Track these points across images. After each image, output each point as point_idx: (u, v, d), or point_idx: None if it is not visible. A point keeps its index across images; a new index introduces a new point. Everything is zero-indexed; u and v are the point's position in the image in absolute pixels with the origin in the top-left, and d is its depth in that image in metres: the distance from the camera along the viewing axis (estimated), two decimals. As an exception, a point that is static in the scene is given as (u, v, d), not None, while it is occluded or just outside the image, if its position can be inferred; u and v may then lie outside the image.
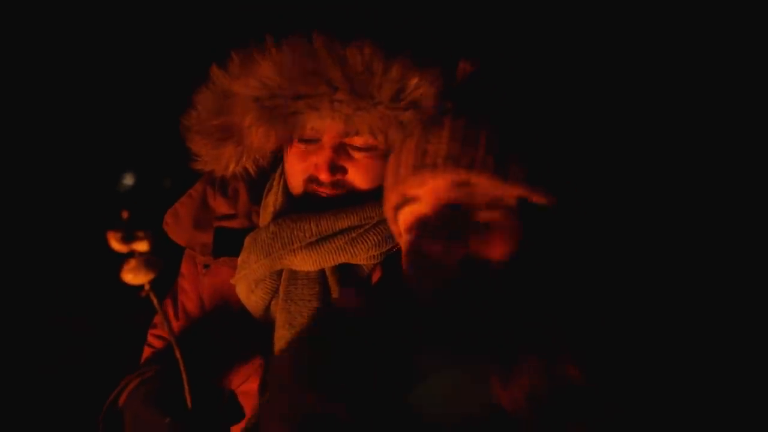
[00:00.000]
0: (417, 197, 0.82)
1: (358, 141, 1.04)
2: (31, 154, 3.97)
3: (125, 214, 0.77)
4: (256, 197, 1.19)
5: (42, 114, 3.93)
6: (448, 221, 0.79)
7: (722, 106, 1.31)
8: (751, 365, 0.70)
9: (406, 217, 0.86)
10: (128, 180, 4.31)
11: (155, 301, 0.80)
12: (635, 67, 1.31)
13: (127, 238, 0.76)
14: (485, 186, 0.77)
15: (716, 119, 1.28)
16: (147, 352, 1.24)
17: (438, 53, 0.97)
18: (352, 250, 1.06)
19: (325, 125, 1.00)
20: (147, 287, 0.79)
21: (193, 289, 1.23)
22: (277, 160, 1.18)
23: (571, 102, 0.85)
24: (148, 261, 0.78)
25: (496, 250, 0.77)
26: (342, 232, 1.05)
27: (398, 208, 0.86)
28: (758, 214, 0.95)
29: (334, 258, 1.06)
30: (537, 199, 0.76)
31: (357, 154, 1.05)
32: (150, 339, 1.25)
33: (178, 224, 1.20)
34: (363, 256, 1.07)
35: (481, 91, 0.84)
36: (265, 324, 1.12)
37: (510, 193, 0.76)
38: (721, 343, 0.71)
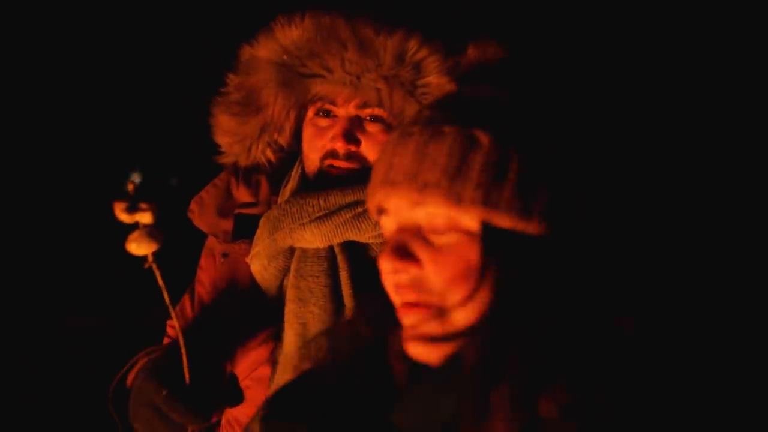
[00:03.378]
0: (386, 210, 0.79)
1: (370, 114, 1.12)
2: (41, 155, 4.00)
3: (131, 186, 0.80)
4: (277, 190, 1.23)
5: (50, 115, 3.97)
6: (405, 240, 0.75)
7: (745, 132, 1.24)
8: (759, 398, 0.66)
9: (381, 225, 0.84)
10: (135, 179, 4.34)
11: (158, 273, 0.82)
12: (644, 92, 1.26)
13: (132, 209, 0.78)
14: (439, 208, 0.73)
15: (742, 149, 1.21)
16: (165, 342, 1.26)
17: (448, 36, 1.07)
18: (357, 225, 1.09)
19: (337, 91, 1.10)
20: (150, 258, 0.81)
21: (210, 281, 1.25)
22: (294, 158, 1.23)
23: (555, 122, 0.79)
24: (151, 232, 0.80)
25: (446, 274, 0.73)
26: (348, 206, 1.09)
27: (377, 214, 0.84)
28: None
29: (342, 233, 1.09)
30: (500, 222, 0.71)
31: (370, 127, 1.12)
32: (169, 330, 1.28)
33: (202, 211, 1.24)
34: (369, 233, 1.09)
35: (459, 104, 0.79)
36: (278, 303, 1.15)
37: (466, 216, 0.72)
38: (723, 390, 0.66)
